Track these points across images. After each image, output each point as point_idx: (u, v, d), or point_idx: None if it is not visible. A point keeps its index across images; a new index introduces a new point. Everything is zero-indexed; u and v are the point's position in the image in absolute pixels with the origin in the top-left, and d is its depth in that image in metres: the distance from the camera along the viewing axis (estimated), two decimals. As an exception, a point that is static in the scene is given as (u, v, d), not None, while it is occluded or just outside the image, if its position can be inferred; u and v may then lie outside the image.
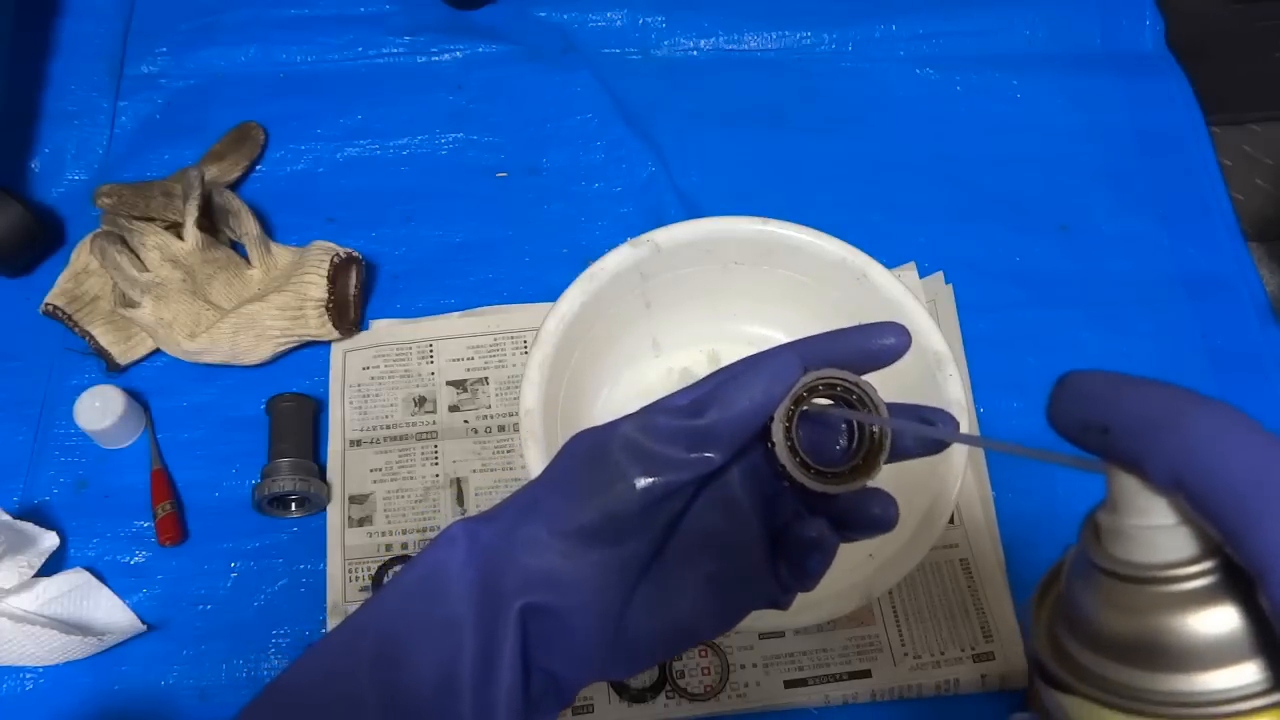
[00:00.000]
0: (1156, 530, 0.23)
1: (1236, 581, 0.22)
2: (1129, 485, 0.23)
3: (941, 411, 0.35)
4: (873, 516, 0.34)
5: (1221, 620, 0.22)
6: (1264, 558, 0.20)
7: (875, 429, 0.35)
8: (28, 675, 0.62)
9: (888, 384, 0.66)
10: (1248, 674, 0.22)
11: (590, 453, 0.34)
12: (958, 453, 0.56)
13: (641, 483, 0.32)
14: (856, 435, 0.35)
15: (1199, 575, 0.22)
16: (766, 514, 0.36)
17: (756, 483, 0.36)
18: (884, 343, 0.34)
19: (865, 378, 0.34)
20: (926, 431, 0.34)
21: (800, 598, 0.53)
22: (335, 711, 0.33)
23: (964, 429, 0.56)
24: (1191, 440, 0.22)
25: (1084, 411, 0.24)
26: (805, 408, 0.34)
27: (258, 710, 0.34)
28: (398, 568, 0.64)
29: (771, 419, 0.33)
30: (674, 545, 0.36)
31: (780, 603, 0.37)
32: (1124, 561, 0.23)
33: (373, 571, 0.65)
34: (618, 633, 0.35)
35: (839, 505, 0.35)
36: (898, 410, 0.35)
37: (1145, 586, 0.23)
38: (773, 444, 0.34)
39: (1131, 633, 0.23)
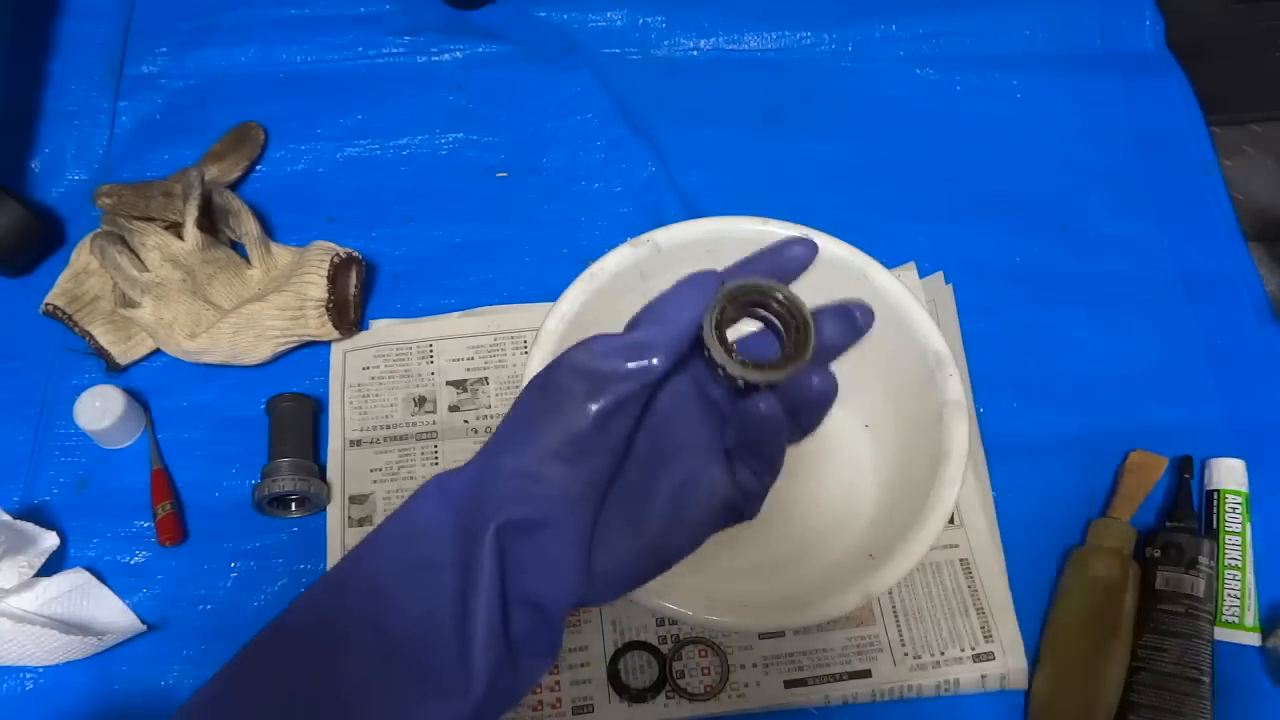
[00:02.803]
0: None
1: None
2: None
3: (861, 304, 0.38)
4: (813, 386, 0.36)
5: None
6: None
7: (800, 317, 0.37)
8: (28, 675, 0.62)
9: (890, 383, 0.66)
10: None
11: (542, 384, 0.36)
12: (957, 454, 0.56)
13: (590, 398, 0.35)
14: (788, 335, 0.38)
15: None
16: (719, 428, 0.38)
17: (705, 401, 0.39)
18: (791, 254, 0.38)
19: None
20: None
21: (800, 597, 0.53)
22: (324, 657, 0.35)
23: (964, 429, 0.56)
24: None
25: None
26: (730, 317, 0.37)
27: (249, 660, 0.36)
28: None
29: (701, 328, 0.36)
30: (634, 462, 0.38)
31: (745, 512, 0.39)
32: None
33: (373, 571, 0.65)
34: (593, 552, 0.37)
35: (782, 396, 0.37)
36: (820, 310, 0.38)
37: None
38: (708, 349, 0.36)
39: None
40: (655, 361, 0.35)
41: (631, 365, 0.35)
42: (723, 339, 0.36)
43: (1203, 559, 0.63)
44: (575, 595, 0.36)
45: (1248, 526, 0.65)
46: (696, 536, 0.38)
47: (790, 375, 0.36)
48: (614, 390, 0.35)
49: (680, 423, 0.38)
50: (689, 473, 0.37)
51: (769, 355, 0.38)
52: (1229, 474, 0.67)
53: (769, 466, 0.38)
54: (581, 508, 0.36)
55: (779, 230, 0.62)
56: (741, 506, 0.38)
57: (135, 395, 0.69)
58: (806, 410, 0.37)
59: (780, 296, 0.37)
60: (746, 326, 0.39)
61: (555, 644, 0.37)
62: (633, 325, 0.36)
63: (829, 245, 0.62)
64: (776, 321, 0.38)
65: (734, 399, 0.37)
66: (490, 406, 0.70)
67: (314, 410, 0.69)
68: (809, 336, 0.36)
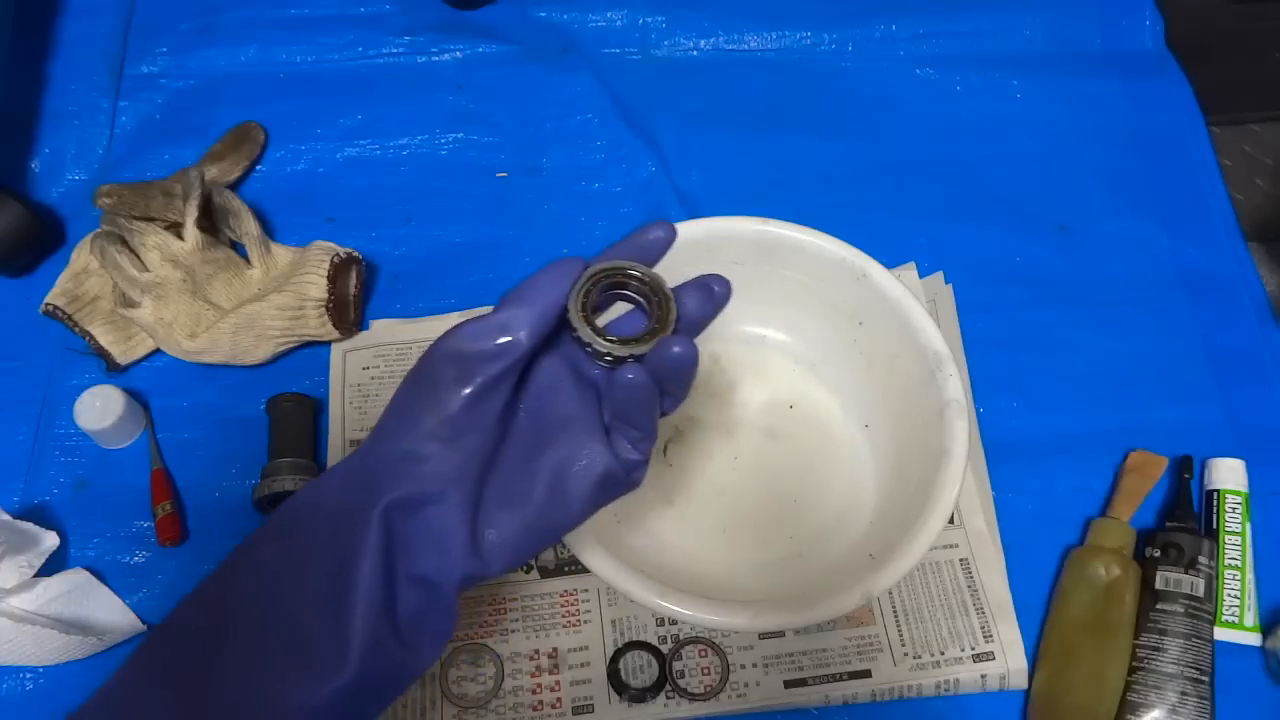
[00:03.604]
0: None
1: None
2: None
3: (717, 276, 0.41)
4: (674, 355, 0.38)
5: None
6: None
7: (661, 293, 0.39)
8: (28, 675, 0.62)
9: (889, 383, 0.66)
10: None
11: (416, 371, 0.39)
12: (957, 454, 0.56)
13: (460, 382, 0.37)
14: (651, 310, 0.40)
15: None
16: (596, 406, 0.40)
17: (582, 382, 0.41)
18: (652, 237, 0.40)
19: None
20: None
21: (800, 597, 0.54)
22: (207, 645, 0.37)
23: (964, 428, 0.56)
24: None
25: None
26: (596, 295, 0.39)
27: (140, 655, 0.38)
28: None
29: (568, 310, 0.38)
30: (517, 442, 0.40)
31: (628, 481, 0.41)
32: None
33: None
34: (480, 528, 0.38)
35: (650, 367, 0.39)
36: (681, 287, 0.40)
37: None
38: (575, 329, 0.38)
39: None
40: (519, 337, 0.37)
41: (498, 343, 0.37)
42: (589, 319, 0.38)
43: (1203, 559, 0.63)
44: (464, 569, 0.38)
45: (1248, 526, 0.65)
46: (582, 509, 0.40)
47: (654, 347, 0.38)
48: (481, 371, 0.37)
49: (558, 404, 0.40)
50: (569, 449, 0.39)
51: (634, 329, 0.40)
52: (1229, 474, 0.67)
53: (644, 434, 0.40)
54: (463, 483, 0.38)
55: (779, 230, 0.62)
56: (623, 477, 0.40)
57: (135, 395, 0.69)
58: (673, 378, 0.39)
59: (641, 276, 0.39)
60: (624, 308, 0.41)
61: (449, 624, 0.39)
62: (499, 306, 0.38)
63: (829, 245, 0.62)
64: (641, 300, 0.40)
65: (608, 375, 0.39)
66: (490, 406, 0.70)
67: (314, 410, 0.69)
68: (669, 310, 0.39)
